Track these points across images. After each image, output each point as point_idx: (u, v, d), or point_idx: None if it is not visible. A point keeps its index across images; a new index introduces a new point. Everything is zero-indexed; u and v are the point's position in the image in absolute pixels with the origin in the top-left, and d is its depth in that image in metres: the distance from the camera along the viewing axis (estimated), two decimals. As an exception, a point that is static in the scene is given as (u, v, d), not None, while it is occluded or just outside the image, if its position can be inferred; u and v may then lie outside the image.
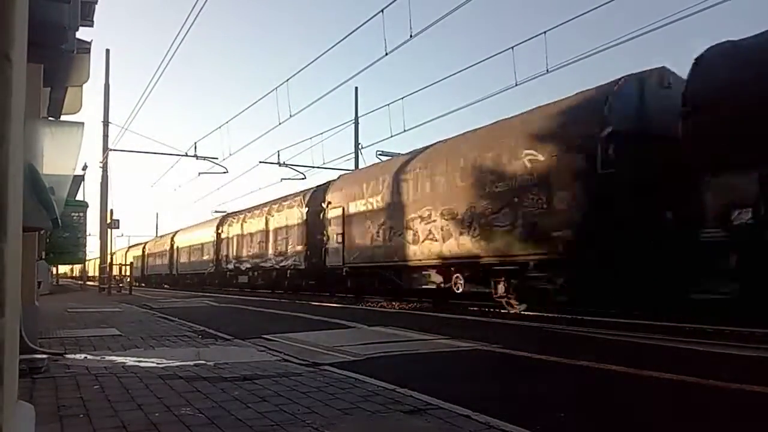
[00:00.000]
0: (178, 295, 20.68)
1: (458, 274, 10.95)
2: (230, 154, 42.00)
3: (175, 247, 34.41)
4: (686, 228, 6.99)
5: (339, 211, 14.93)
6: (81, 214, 18.71)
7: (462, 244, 10.46)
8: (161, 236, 41.84)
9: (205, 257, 28.48)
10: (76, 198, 17.84)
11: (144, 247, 44.59)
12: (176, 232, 35.76)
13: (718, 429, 3.03)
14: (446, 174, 11.11)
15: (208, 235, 28.22)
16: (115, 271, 28.45)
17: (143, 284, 40.10)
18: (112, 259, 27.48)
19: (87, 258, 30.65)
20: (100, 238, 24.67)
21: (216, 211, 37.23)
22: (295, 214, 18.38)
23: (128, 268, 26.86)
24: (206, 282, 28.38)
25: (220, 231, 26.10)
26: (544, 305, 9.32)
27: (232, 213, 26.50)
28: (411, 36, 13.12)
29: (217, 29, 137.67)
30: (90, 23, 5.88)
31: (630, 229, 7.58)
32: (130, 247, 51.73)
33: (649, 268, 7.51)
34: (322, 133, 55.89)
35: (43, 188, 3.30)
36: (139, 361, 4.73)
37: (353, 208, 14.52)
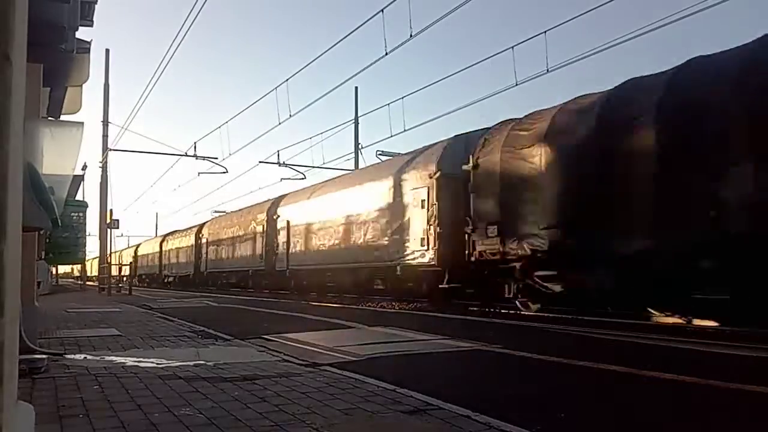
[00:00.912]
0: (177, 295, 20.67)
1: None
2: (230, 154, 41.93)
3: (280, 225, 19.99)
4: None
5: None
6: (81, 214, 18.78)
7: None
8: (237, 211, 26.81)
9: (374, 238, 14.19)
10: (76, 198, 17.91)
11: (200, 232, 30.19)
12: (281, 199, 21.15)
13: (718, 429, 3.03)
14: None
15: (373, 196, 14.36)
16: (122, 271, 28.35)
17: (177, 286, 31.82)
18: (112, 258, 27.10)
19: (88, 257, 29.79)
20: (100, 238, 24.66)
21: (215, 211, 36.87)
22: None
23: (127, 268, 26.92)
24: (385, 287, 14.66)
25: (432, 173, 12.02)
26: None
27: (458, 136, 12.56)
28: (411, 36, 13.15)
29: (216, 29, 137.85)
30: (90, 23, 5.88)
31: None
32: (166, 235, 39.18)
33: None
34: (322, 133, 55.80)
35: (43, 188, 3.30)
36: (139, 362, 4.73)
37: None
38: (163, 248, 37.83)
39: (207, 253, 28.60)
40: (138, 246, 49.26)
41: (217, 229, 27.69)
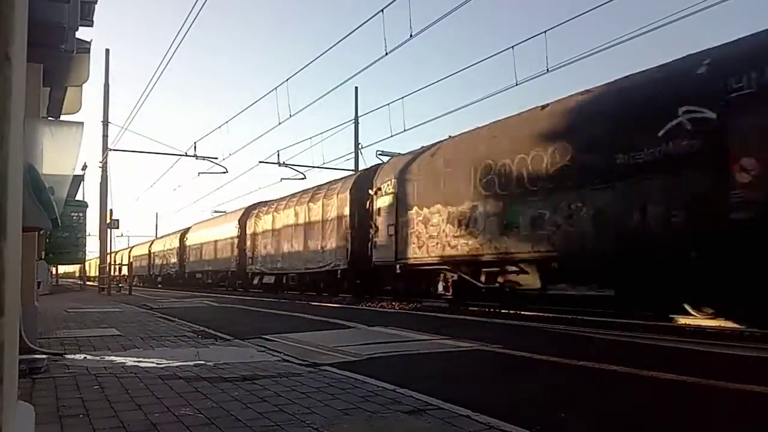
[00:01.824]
0: (178, 295, 20.66)
1: None
2: (230, 154, 42.04)
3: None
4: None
5: None
6: (81, 214, 18.70)
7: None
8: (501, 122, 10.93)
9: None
10: (76, 198, 17.87)
11: (358, 189, 15.57)
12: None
13: (718, 429, 3.03)
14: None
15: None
16: (122, 271, 27.27)
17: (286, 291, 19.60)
18: (113, 256, 26.50)
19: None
20: (100, 238, 24.62)
21: (216, 211, 35.67)
22: None
23: (127, 268, 26.66)
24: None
25: None
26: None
27: None
28: (411, 36, 13.09)
29: (217, 29, 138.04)
30: (90, 23, 5.88)
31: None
32: (253, 207, 24.23)
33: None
34: (322, 133, 55.73)
35: (43, 188, 3.30)
36: (139, 362, 4.73)
37: None
38: (249, 230, 23.26)
39: (405, 228, 12.71)
40: (185, 232, 33.84)
41: (421, 174, 12.56)
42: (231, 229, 25.45)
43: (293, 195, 20.88)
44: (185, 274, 32.22)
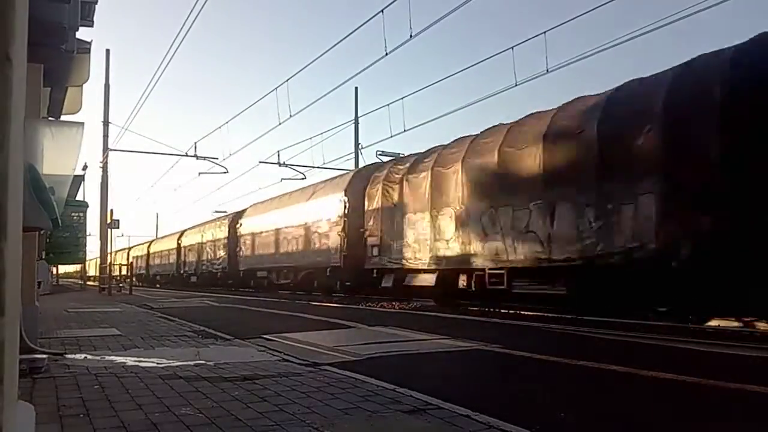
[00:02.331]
0: (178, 294, 20.67)
1: None
2: (230, 154, 41.87)
3: None
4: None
5: None
6: (81, 214, 18.72)
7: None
8: None
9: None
10: (76, 198, 17.88)
11: None
12: None
13: (717, 429, 3.04)
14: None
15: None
16: (120, 271, 26.83)
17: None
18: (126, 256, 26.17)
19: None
20: (100, 238, 24.61)
21: (216, 211, 35.36)
22: None
23: (127, 268, 26.58)
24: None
25: None
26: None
27: None
28: (411, 36, 13.11)
29: (217, 29, 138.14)
30: (90, 23, 5.89)
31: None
32: (371, 169, 15.79)
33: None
34: (322, 133, 55.55)
35: (43, 188, 3.31)
36: (140, 361, 4.73)
37: None
38: (370, 205, 14.48)
39: None
40: (238, 216, 25.87)
41: None
42: (329, 206, 16.67)
43: (477, 135, 11.55)
44: (239, 272, 24.52)
